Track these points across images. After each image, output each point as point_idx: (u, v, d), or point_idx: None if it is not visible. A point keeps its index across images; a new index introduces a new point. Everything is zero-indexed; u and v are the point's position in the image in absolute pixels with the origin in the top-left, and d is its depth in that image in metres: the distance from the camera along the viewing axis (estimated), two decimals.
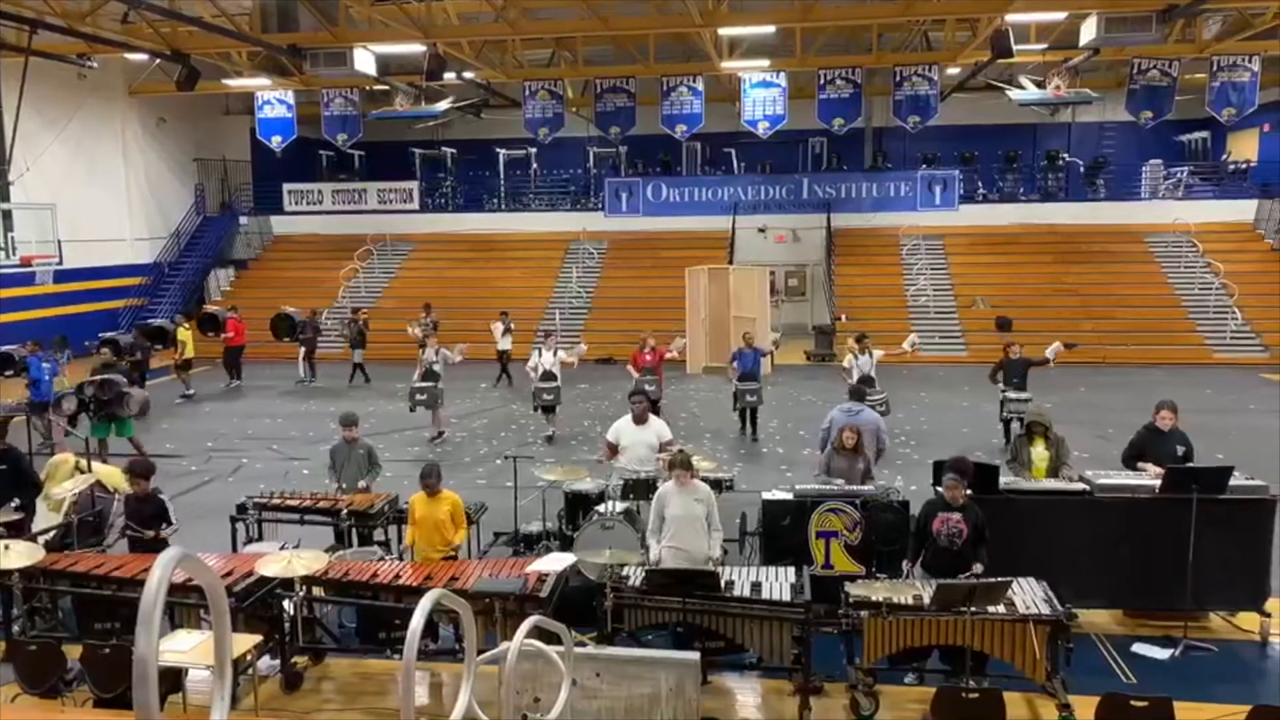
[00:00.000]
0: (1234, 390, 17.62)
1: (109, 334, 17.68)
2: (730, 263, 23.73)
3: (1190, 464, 7.92)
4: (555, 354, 14.35)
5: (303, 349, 19.41)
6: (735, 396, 14.07)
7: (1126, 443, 8.48)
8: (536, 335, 14.84)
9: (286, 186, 28.54)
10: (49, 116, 22.23)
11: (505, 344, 18.58)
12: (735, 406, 14.16)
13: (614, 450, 9.08)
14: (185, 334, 17.94)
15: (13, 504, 8.19)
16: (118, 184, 25.57)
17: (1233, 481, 7.31)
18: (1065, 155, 28.02)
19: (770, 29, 19.11)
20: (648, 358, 13.97)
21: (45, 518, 8.44)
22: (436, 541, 7.50)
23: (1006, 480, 7.83)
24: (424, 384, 14.22)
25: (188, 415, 16.52)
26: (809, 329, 23.73)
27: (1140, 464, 8.08)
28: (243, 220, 29.00)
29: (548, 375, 14.10)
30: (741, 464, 12.24)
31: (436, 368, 14.38)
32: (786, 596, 6.31)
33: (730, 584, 6.47)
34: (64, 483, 8.40)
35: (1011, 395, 12.64)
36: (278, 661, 6.68)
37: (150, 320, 20.63)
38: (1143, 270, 23.87)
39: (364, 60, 17.93)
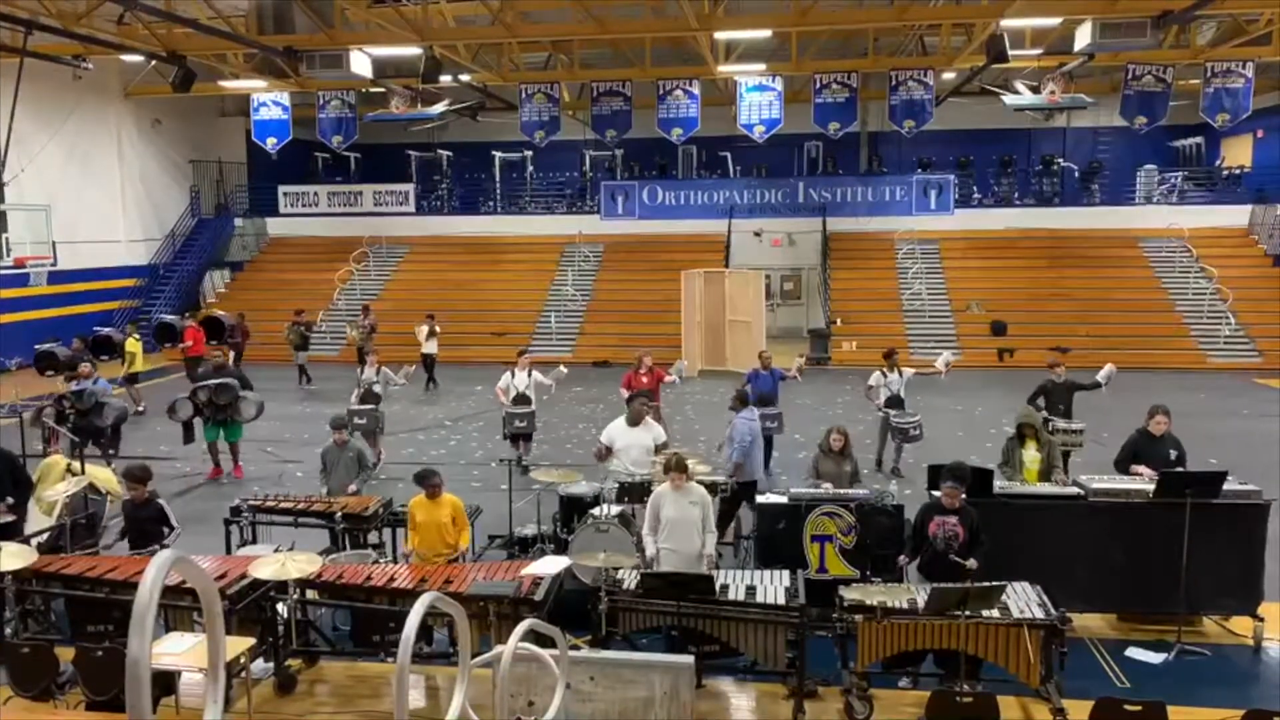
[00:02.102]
0: (1228, 395, 17.68)
1: (45, 345, 16.82)
2: (726, 266, 23.75)
3: (1183, 468, 7.95)
4: (530, 375, 12.61)
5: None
6: None
7: (1120, 447, 8.52)
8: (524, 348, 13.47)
9: (282, 188, 28.54)
10: (44, 118, 22.20)
11: (430, 348, 18.56)
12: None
13: (608, 452, 9.07)
14: (134, 345, 16.97)
15: (6, 502, 8.16)
16: (113, 185, 25.54)
17: (1226, 486, 7.33)
18: (1060, 160, 28.10)
19: (766, 33, 19.11)
20: (644, 380, 12.22)
21: (36, 520, 8.42)
22: (438, 545, 7.52)
23: (1000, 484, 7.85)
24: (362, 407, 12.49)
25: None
26: (804, 333, 23.76)
27: (1135, 468, 8.09)
28: (238, 222, 28.98)
29: (521, 399, 12.43)
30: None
31: (377, 388, 12.89)
32: (781, 600, 6.32)
33: (725, 587, 6.47)
34: (56, 485, 8.38)
35: (1060, 424, 10.73)
36: (271, 664, 6.66)
37: (99, 329, 19.48)
38: (1137, 275, 23.93)
39: (360, 62, 17.91)
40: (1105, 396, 11.39)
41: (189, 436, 12.80)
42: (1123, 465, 8.26)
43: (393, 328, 20.99)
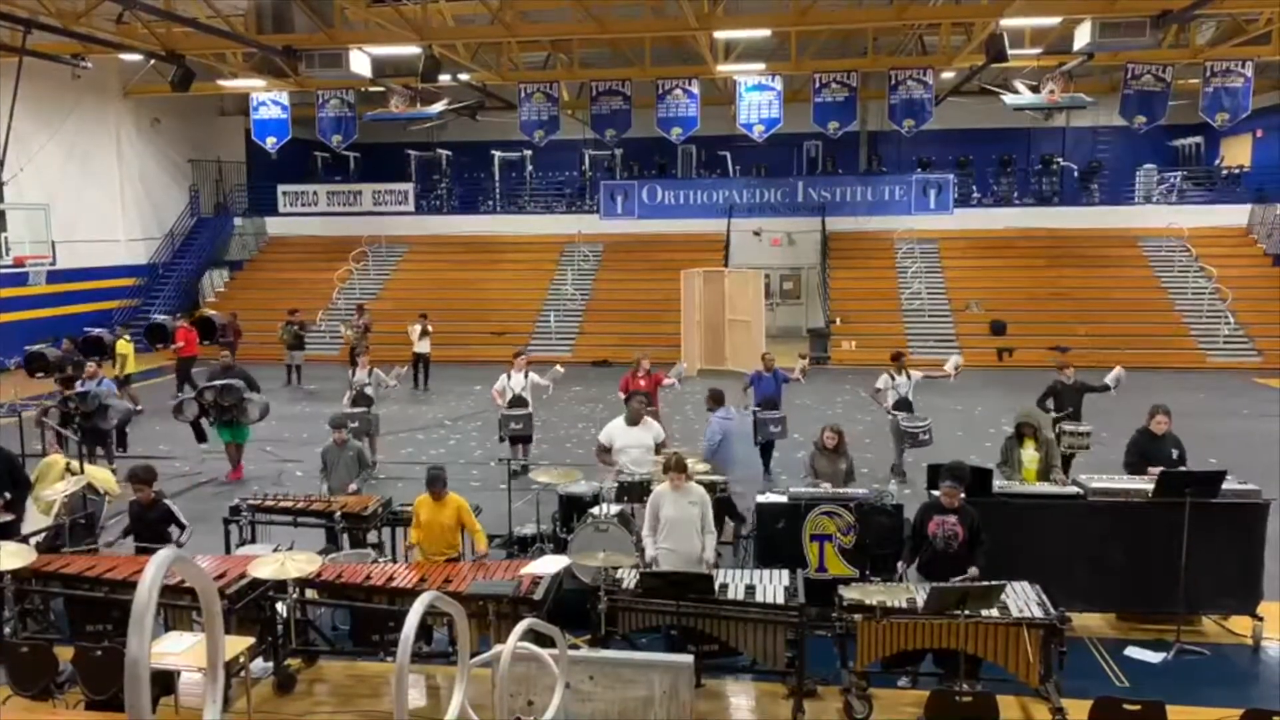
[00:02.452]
0: (1227, 394, 17.68)
1: (36, 347, 16.55)
2: (726, 266, 23.75)
3: (1184, 468, 7.96)
4: (526, 376, 12.33)
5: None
6: (756, 427, 11.94)
7: (1122, 447, 8.53)
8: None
9: (281, 188, 28.54)
10: (43, 117, 22.20)
11: (423, 347, 18.58)
12: (757, 439, 12.02)
13: (607, 452, 9.08)
14: (126, 346, 16.54)
15: (4, 498, 8.16)
16: (112, 184, 25.54)
17: (1225, 486, 7.33)
18: (1059, 160, 28.10)
19: (766, 32, 19.12)
20: (641, 383, 12.00)
21: (35, 519, 8.42)
22: (441, 546, 7.53)
23: (999, 484, 7.85)
24: (354, 410, 12.14)
25: None
26: (803, 332, 23.77)
27: (1151, 468, 8.03)
28: (237, 221, 28.98)
29: (517, 400, 12.18)
30: (736, 467, 12.21)
31: (369, 390, 12.70)
32: (780, 600, 6.32)
33: (724, 587, 6.48)
34: (54, 484, 8.38)
35: (1069, 427, 10.68)
36: (270, 664, 6.66)
37: (89, 330, 19.10)
38: (1137, 275, 23.94)
39: (359, 62, 17.91)
40: (1106, 396, 11.39)
41: (201, 437, 12.79)
42: (1134, 467, 8.24)
43: (392, 327, 20.99)
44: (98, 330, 19.03)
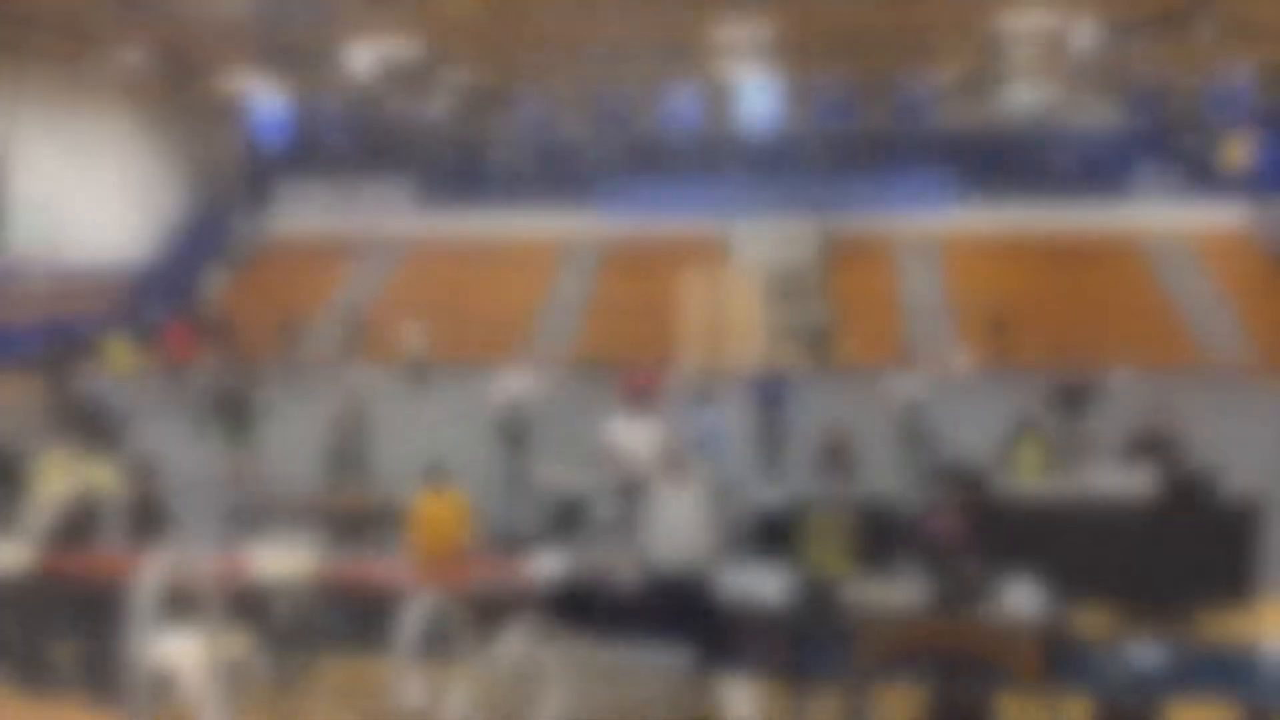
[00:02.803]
0: (1228, 395, 17.68)
1: (26, 349, 16.56)
2: (726, 266, 23.76)
3: (1183, 467, 7.98)
4: (524, 379, 12.56)
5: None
6: (759, 428, 12.23)
7: (1123, 447, 8.54)
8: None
9: (281, 187, 28.51)
10: (44, 116, 22.20)
11: (418, 348, 18.61)
12: (760, 440, 12.30)
13: (615, 451, 9.10)
14: (118, 347, 16.72)
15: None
16: (112, 184, 25.55)
17: (1224, 485, 7.35)
18: (1060, 160, 28.07)
19: (766, 32, 19.14)
20: (641, 384, 12.28)
21: (34, 518, 8.41)
22: (440, 543, 7.52)
23: (999, 484, 7.86)
24: (347, 410, 11.83)
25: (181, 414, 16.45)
26: (804, 333, 23.77)
27: (1140, 465, 8.07)
28: (237, 221, 28.97)
29: (515, 403, 12.33)
30: (724, 466, 12.20)
31: (362, 391, 12.82)
32: (781, 599, 6.32)
33: (724, 586, 6.48)
34: (54, 483, 8.38)
35: (1076, 428, 11.06)
36: (270, 663, 6.66)
37: (81, 331, 19.16)
38: (1137, 274, 23.95)
39: (360, 60, 17.93)
40: (1108, 396, 11.41)
41: (202, 437, 12.81)
42: (1133, 467, 8.26)
43: (389, 327, 21.00)
44: (89, 330, 19.06)
